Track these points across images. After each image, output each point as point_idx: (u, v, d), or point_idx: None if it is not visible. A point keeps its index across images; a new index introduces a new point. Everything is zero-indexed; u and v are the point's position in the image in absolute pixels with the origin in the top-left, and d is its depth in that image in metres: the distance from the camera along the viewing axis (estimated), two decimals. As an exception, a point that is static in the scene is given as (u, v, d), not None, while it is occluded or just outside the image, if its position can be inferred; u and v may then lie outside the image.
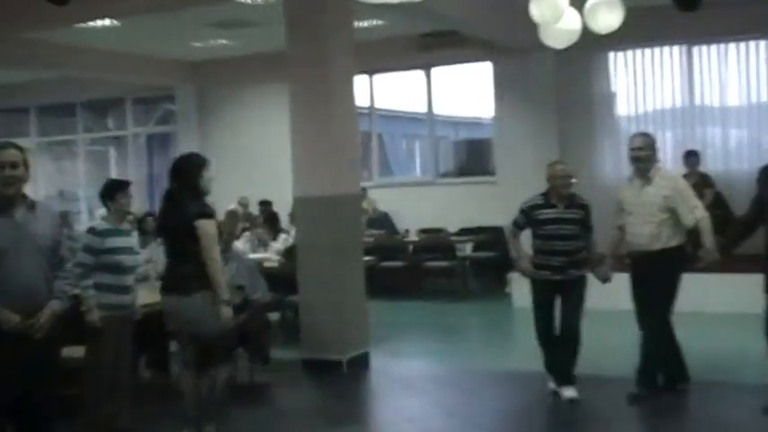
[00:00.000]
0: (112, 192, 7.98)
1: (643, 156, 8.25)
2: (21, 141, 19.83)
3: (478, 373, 9.55)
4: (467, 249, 15.77)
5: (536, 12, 9.84)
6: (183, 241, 7.16)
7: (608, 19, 10.03)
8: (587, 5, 10.08)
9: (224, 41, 16.47)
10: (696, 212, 8.15)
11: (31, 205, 5.73)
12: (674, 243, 8.18)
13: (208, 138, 19.52)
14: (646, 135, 8.61)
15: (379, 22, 14.85)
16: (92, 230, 7.91)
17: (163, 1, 11.91)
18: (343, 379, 9.97)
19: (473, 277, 15.61)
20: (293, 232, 13.59)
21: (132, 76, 18.37)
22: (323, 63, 10.26)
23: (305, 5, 10.36)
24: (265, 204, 16.15)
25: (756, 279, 8.03)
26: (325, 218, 10.24)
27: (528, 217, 8.49)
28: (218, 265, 7.21)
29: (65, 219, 14.94)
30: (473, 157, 18.77)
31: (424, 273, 15.81)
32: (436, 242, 15.82)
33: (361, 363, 10.34)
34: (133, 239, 8.28)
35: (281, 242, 13.12)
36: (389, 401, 9.18)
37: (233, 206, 14.43)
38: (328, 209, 10.22)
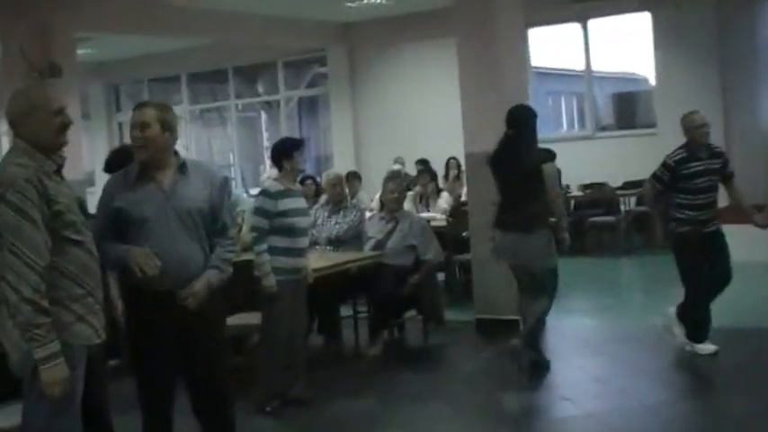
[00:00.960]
0: (290, 150, 7.75)
1: None
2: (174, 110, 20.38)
3: (655, 328, 9.13)
4: (630, 203, 15.36)
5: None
6: (528, 183, 7.85)
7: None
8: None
9: (379, 0, 16.28)
10: None
11: (182, 166, 5.31)
12: None
13: (360, 99, 19.46)
14: None
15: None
16: (265, 192, 7.73)
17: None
18: (519, 338, 9.75)
19: (636, 232, 15.17)
20: (464, 190, 13.43)
21: (284, 40, 18.38)
22: (491, 16, 10.01)
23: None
24: (423, 163, 15.89)
25: None
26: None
27: (675, 172, 8.16)
28: (562, 201, 8.22)
29: (225, 185, 15.06)
30: (630, 110, 18.30)
31: (587, 228, 15.42)
32: (599, 197, 15.45)
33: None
34: (303, 200, 8.08)
35: (445, 200, 12.89)
36: (571, 361, 8.88)
37: (396, 166, 14.22)
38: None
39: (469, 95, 10.22)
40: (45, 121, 4.54)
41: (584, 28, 16.95)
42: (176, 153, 5.43)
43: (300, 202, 7.83)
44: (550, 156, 8.05)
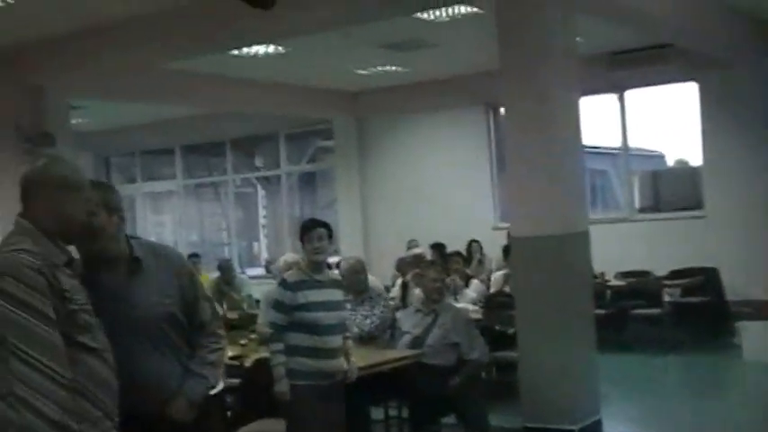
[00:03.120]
0: (301, 233, 6.72)
1: None
2: (166, 184, 19.08)
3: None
4: (673, 294, 13.92)
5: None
6: None
7: None
8: None
9: (391, 68, 15.07)
10: None
11: (135, 263, 4.22)
12: None
13: (369, 174, 18.07)
14: None
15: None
16: (282, 283, 6.70)
17: (337, 18, 10.52)
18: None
19: (679, 325, 13.71)
20: (495, 276, 12.07)
21: (287, 110, 17.09)
22: (544, 82, 8.79)
23: (521, 14, 8.89)
24: (439, 248, 14.44)
25: None
26: (549, 260, 8.70)
27: None
28: None
29: (226, 269, 13.72)
30: (673, 190, 16.86)
31: (625, 320, 13.92)
32: (641, 287, 13.92)
33: (595, 432, 8.75)
34: (336, 292, 6.79)
35: (474, 289, 11.50)
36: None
37: (418, 250, 12.82)
38: (553, 250, 8.68)
39: (517, 170, 8.95)
40: (72, 205, 3.73)
41: (621, 100, 15.58)
42: (129, 241, 4.30)
43: (327, 294, 6.67)
44: None
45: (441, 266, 10.43)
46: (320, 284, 6.62)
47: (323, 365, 6.51)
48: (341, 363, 6.70)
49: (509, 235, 14.18)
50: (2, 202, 12.51)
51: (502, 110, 16.39)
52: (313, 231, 6.66)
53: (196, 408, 4.24)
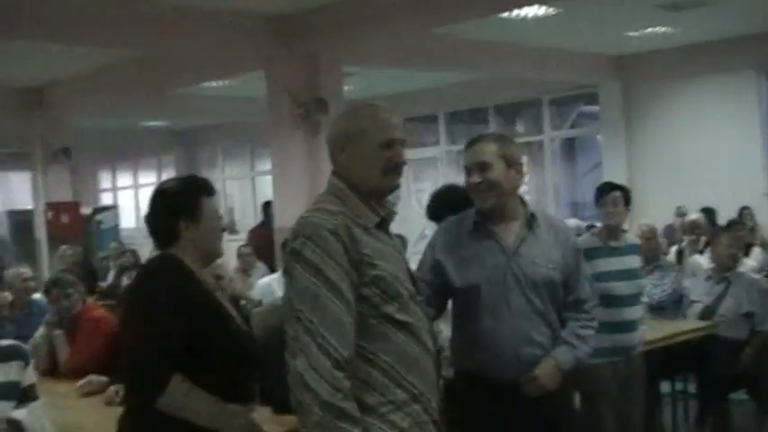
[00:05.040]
0: (596, 197, 6.46)
1: None
2: (429, 150, 18.93)
3: None
4: None
5: None
6: None
7: None
8: None
9: (662, 29, 14.56)
10: None
11: (531, 220, 4.21)
12: None
13: (633, 139, 17.59)
14: None
15: None
16: None
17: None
18: None
19: None
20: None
21: (552, 75, 16.79)
22: None
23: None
24: (708, 213, 13.89)
25: None
26: None
27: None
28: None
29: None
30: None
31: None
32: None
33: None
34: (634, 258, 6.54)
35: (755, 258, 10.99)
36: None
37: (695, 215, 12.32)
38: None
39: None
40: (368, 153, 3.38)
41: None
42: (523, 201, 4.34)
43: (623, 262, 6.35)
44: None
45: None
46: (616, 251, 6.38)
47: (620, 339, 6.19)
48: (640, 335, 6.44)
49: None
50: (280, 169, 13.00)
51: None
52: (608, 195, 6.43)
53: (562, 375, 4.16)
